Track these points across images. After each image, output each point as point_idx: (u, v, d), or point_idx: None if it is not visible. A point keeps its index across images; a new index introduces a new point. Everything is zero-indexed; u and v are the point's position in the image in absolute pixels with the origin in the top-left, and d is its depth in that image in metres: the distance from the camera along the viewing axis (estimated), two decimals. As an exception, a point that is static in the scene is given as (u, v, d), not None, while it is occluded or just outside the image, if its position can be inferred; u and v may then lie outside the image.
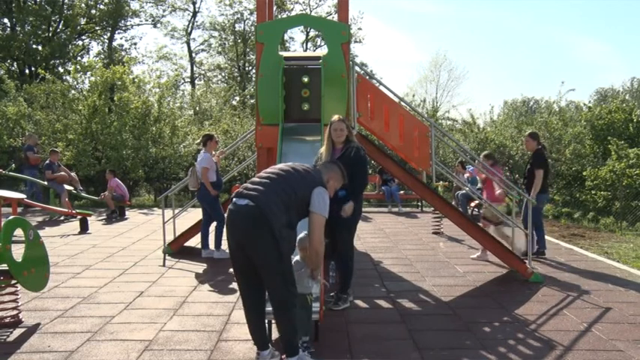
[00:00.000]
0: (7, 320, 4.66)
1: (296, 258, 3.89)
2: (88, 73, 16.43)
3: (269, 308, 3.79)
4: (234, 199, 3.63)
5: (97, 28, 31.66)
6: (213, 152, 7.71)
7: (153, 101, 16.11)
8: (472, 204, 12.13)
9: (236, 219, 3.57)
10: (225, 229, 3.72)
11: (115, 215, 11.91)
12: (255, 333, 3.74)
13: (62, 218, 11.32)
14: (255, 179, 3.73)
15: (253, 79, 29.56)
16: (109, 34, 32.23)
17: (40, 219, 11.43)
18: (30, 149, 12.76)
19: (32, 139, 13.17)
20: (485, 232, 6.73)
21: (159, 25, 34.68)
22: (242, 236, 3.55)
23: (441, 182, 11.15)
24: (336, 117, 5.01)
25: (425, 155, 6.92)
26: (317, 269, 3.84)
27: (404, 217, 12.22)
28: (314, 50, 32.42)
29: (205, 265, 7.14)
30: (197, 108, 24.95)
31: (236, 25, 34.78)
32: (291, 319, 3.61)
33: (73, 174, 12.59)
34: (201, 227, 7.72)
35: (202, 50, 36.64)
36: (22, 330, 4.55)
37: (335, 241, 4.87)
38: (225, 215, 3.71)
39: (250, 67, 34.09)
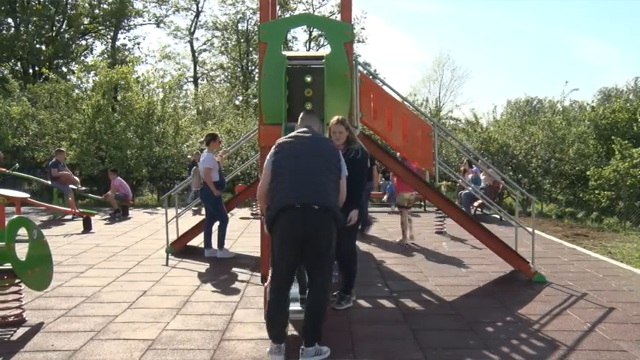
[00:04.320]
0: (10, 319, 4.67)
1: None
2: (92, 73, 16.49)
3: (293, 307, 4.14)
4: (296, 204, 3.70)
5: (101, 27, 31.76)
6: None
7: (157, 100, 16.15)
8: (475, 203, 12.13)
9: (305, 220, 3.70)
10: (280, 228, 3.79)
11: (119, 215, 11.94)
12: (279, 327, 3.86)
13: (68, 217, 11.34)
14: (301, 176, 3.81)
15: (256, 78, 29.58)
16: (112, 34, 32.33)
17: (44, 218, 11.46)
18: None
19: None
20: (487, 231, 6.71)
21: (162, 24, 34.79)
22: (307, 232, 3.70)
23: (444, 182, 11.14)
24: (334, 119, 4.94)
25: (428, 155, 6.91)
26: None
27: (407, 216, 12.19)
28: (317, 50, 32.41)
29: (208, 264, 7.15)
30: (200, 107, 24.99)
31: (239, 25, 34.85)
32: (326, 311, 3.89)
33: (75, 178, 12.59)
34: (204, 227, 7.74)
35: (205, 50, 36.77)
36: (26, 329, 4.56)
37: (338, 241, 4.85)
38: (280, 215, 3.75)
39: (253, 67, 34.12)
